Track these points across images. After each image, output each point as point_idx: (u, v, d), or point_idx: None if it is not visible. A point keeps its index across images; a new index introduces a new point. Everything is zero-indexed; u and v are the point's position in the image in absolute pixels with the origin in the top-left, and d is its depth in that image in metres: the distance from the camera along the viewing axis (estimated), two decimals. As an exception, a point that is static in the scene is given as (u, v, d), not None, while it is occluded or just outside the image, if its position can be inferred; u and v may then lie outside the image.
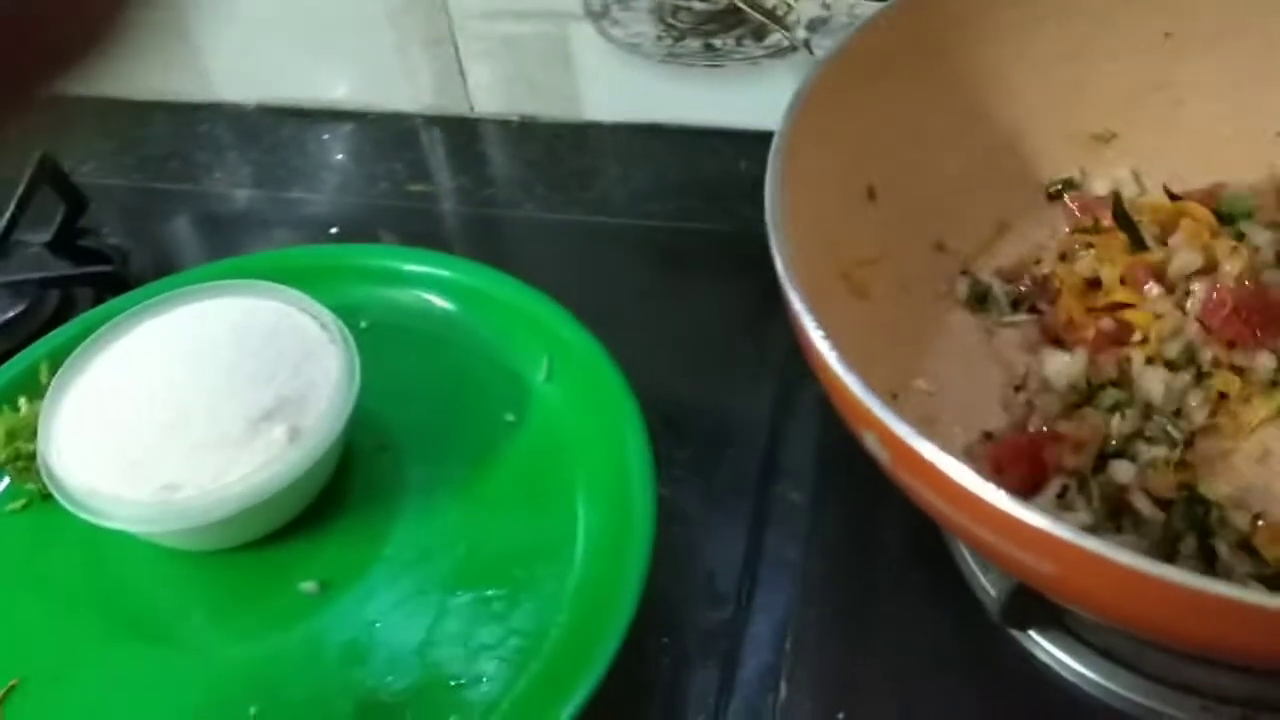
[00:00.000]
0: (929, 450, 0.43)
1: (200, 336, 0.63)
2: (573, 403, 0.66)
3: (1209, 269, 0.63)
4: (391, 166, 0.93)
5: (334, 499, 0.63)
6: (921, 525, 0.60)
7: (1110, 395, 0.60)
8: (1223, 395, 0.60)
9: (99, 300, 0.78)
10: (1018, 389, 0.63)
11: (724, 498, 0.66)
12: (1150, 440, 0.58)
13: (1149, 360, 0.61)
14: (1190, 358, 0.61)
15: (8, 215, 0.82)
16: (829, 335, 0.47)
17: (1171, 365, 0.61)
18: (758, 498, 0.66)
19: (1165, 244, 0.66)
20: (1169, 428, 0.58)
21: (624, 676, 0.54)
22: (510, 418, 0.66)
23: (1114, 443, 0.58)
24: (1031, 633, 0.57)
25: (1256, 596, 0.38)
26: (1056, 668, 0.56)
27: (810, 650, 0.59)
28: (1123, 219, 0.67)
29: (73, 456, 0.59)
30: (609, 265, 0.84)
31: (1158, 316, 0.63)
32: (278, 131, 0.97)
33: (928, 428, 0.45)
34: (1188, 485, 0.56)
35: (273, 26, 0.94)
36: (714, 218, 0.84)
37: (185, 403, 0.60)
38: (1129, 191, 0.70)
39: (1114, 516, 0.56)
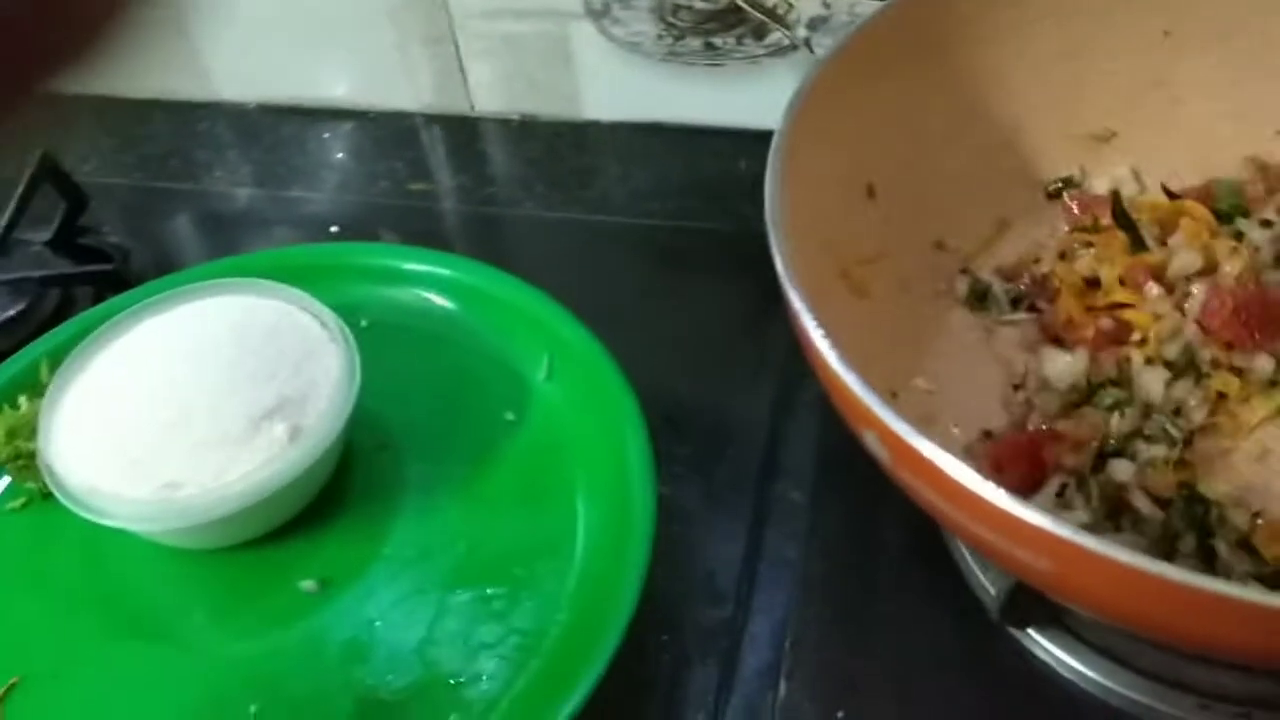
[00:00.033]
0: (928, 449, 0.43)
1: (201, 335, 0.63)
2: (573, 401, 0.66)
3: (1209, 270, 0.64)
4: (392, 165, 0.93)
5: (334, 497, 0.63)
6: (921, 524, 0.60)
7: (1110, 394, 0.60)
8: (1221, 395, 0.60)
9: (99, 299, 0.78)
10: (1017, 388, 0.63)
11: (724, 496, 0.66)
12: (1149, 439, 0.58)
13: (1148, 360, 0.61)
14: (1189, 359, 0.61)
15: (8, 214, 0.82)
16: (829, 334, 0.47)
17: (1171, 366, 0.61)
18: (757, 496, 0.66)
19: (1165, 244, 0.66)
20: (1168, 427, 0.58)
21: (624, 675, 0.54)
22: (510, 416, 0.66)
23: (1113, 442, 0.58)
24: (1030, 631, 0.57)
25: (1255, 595, 0.38)
26: (1055, 666, 0.56)
27: (810, 649, 0.59)
28: (1122, 218, 0.67)
29: (73, 455, 0.59)
30: (609, 264, 0.84)
31: (1157, 317, 0.63)
32: (278, 130, 0.97)
33: (927, 426, 0.45)
34: (1187, 484, 0.56)
35: (273, 25, 0.94)
36: (714, 217, 0.84)
37: (186, 401, 0.60)
38: (1128, 190, 0.70)
39: (1113, 515, 0.56)
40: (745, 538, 0.64)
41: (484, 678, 0.55)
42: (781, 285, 0.50)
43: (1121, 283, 0.65)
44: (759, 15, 0.79)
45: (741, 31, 0.86)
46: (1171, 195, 0.69)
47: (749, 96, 0.88)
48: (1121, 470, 0.57)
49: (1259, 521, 0.54)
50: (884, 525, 0.63)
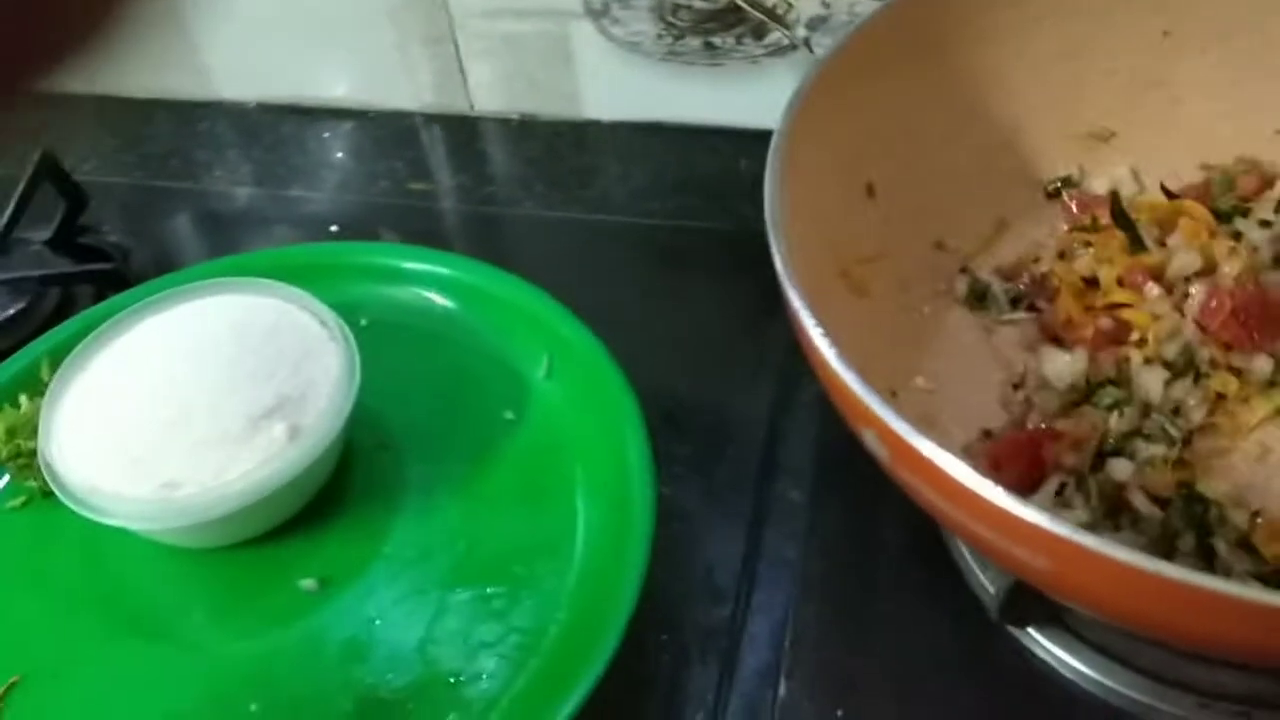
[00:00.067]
0: (928, 447, 0.43)
1: (201, 334, 0.63)
2: (572, 400, 0.66)
3: (1208, 270, 0.64)
4: (392, 164, 0.93)
5: (334, 497, 0.63)
6: (920, 523, 0.60)
7: (1109, 394, 0.60)
8: (1220, 395, 0.60)
9: (99, 298, 0.78)
10: (1016, 387, 0.63)
11: (723, 496, 0.66)
12: (1148, 438, 0.58)
13: (1147, 360, 0.61)
14: (1188, 359, 0.61)
15: (9, 213, 0.82)
16: (828, 333, 0.47)
17: (1169, 366, 0.61)
18: (757, 496, 0.66)
19: (1164, 244, 0.66)
20: (1167, 426, 0.58)
21: (623, 674, 0.54)
22: (510, 415, 0.66)
23: (1112, 441, 0.58)
24: (1030, 630, 0.57)
25: (1254, 593, 0.38)
26: (1054, 665, 0.57)
27: (809, 648, 0.59)
28: (1121, 218, 0.67)
29: (73, 454, 0.59)
30: (608, 263, 0.84)
31: (1156, 317, 0.63)
32: (278, 129, 0.98)
33: (926, 426, 0.45)
34: (1186, 484, 0.56)
35: (273, 25, 0.94)
36: (713, 216, 0.84)
37: (186, 400, 0.60)
38: (1128, 190, 0.70)
39: (1112, 514, 0.56)
40: (744, 537, 0.64)
41: (484, 676, 0.55)
42: (781, 284, 0.50)
43: (1120, 283, 0.65)
44: (758, 15, 0.79)
45: (741, 31, 0.86)
46: (1171, 195, 0.69)
47: (748, 96, 0.88)
48: (1120, 469, 0.57)
49: (1258, 521, 0.54)
50: (883, 524, 0.63)
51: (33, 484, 0.64)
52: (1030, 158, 0.70)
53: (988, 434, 0.61)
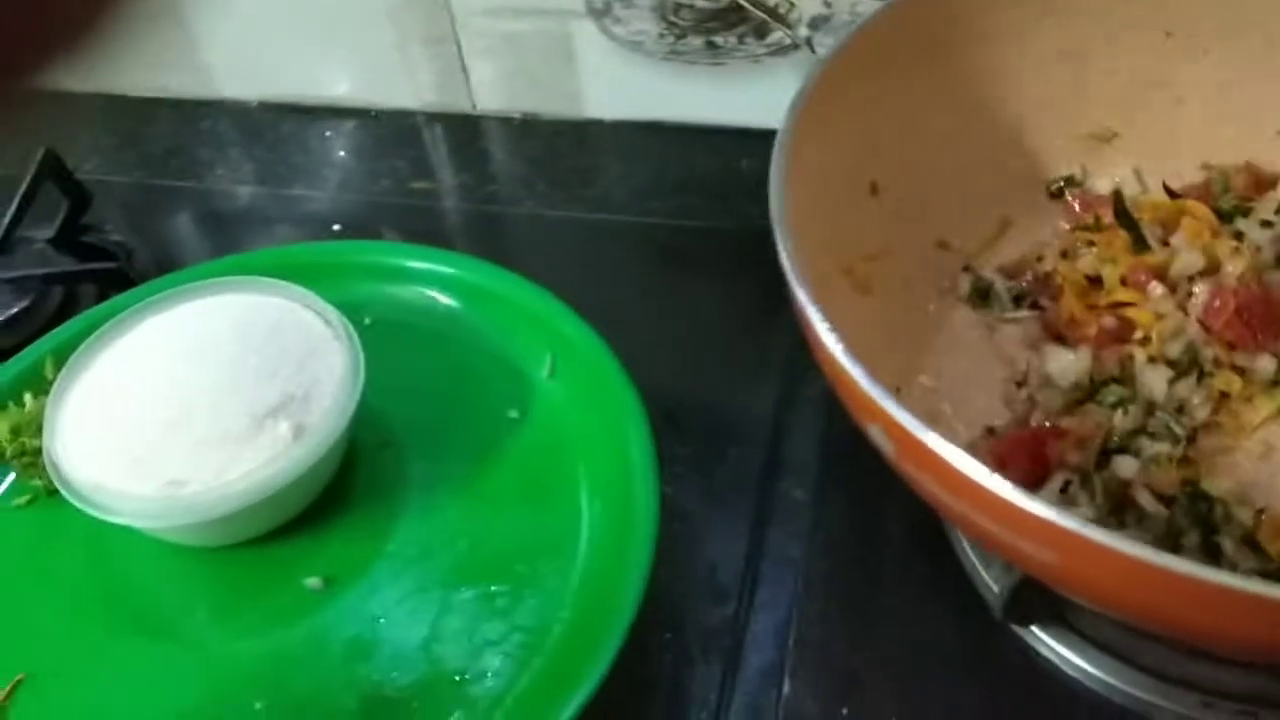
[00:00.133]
0: (935, 441, 0.43)
1: (205, 333, 0.63)
2: (576, 399, 0.66)
3: (1211, 270, 0.64)
4: (393, 164, 0.93)
5: (338, 495, 0.63)
6: (923, 521, 0.60)
7: (1113, 391, 0.60)
8: (1224, 394, 0.60)
9: (102, 297, 0.79)
10: (1019, 385, 0.64)
11: (726, 494, 0.67)
12: (1153, 436, 0.58)
13: (1151, 359, 0.62)
14: (1192, 358, 0.61)
15: (11, 211, 0.82)
16: (835, 328, 0.47)
17: (1173, 365, 0.61)
18: (760, 494, 0.66)
19: (1166, 243, 0.66)
20: (1172, 424, 0.58)
21: (627, 673, 0.54)
22: (513, 414, 0.66)
23: (1116, 439, 0.58)
24: (1034, 628, 0.57)
25: (1260, 586, 0.38)
26: (1058, 662, 0.57)
27: (813, 646, 0.60)
28: (1124, 218, 0.67)
29: (78, 452, 0.59)
30: (610, 263, 0.84)
31: (1160, 316, 0.63)
32: (280, 128, 0.98)
33: (931, 423, 0.45)
34: (1191, 481, 0.56)
35: (275, 23, 0.94)
36: (715, 215, 0.84)
37: (190, 399, 0.60)
38: (1130, 190, 0.70)
39: (1116, 512, 0.56)
40: (748, 535, 0.64)
41: (488, 675, 0.55)
42: (787, 281, 0.51)
43: (1124, 282, 0.65)
44: (760, 14, 0.79)
45: (743, 30, 0.86)
46: (1173, 194, 0.69)
47: (750, 95, 0.88)
48: (1125, 467, 0.57)
49: (1263, 518, 0.55)
50: (887, 522, 0.63)
51: (38, 482, 0.64)
52: (1033, 157, 0.70)
53: (991, 431, 0.61)
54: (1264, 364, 0.60)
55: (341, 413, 0.60)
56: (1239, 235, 0.65)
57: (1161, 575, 0.39)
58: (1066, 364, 0.62)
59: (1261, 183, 0.69)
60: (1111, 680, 0.55)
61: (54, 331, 0.72)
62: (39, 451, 0.61)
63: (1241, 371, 0.61)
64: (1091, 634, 0.56)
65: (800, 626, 0.60)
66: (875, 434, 0.47)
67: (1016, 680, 0.57)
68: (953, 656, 0.58)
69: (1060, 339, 0.65)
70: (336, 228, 0.88)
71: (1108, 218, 0.68)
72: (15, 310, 0.78)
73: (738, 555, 0.64)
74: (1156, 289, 0.64)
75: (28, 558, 0.63)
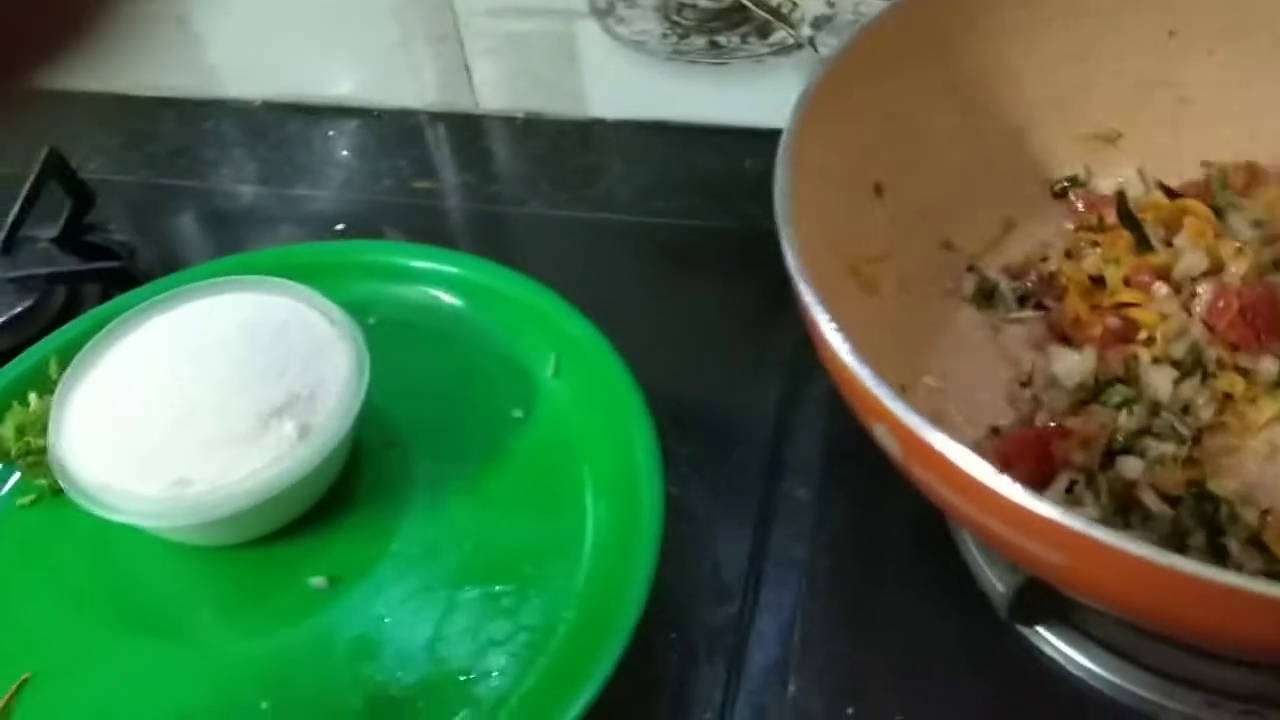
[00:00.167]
0: (941, 441, 0.43)
1: (209, 332, 0.63)
2: (580, 399, 0.66)
3: (1214, 270, 0.64)
4: (396, 163, 0.93)
5: (342, 495, 0.63)
6: (927, 521, 0.60)
7: (1118, 392, 0.60)
8: (1228, 395, 0.60)
9: (106, 296, 0.79)
10: (1024, 385, 0.63)
11: (730, 494, 0.67)
12: (1158, 436, 0.58)
13: (1155, 359, 0.61)
14: (1195, 358, 0.61)
15: (15, 211, 0.82)
16: (841, 328, 0.47)
17: (1178, 365, 0.61)
18: (764, 494, 0.66)
19: (1170, 244, 0.66)
20: (1177, 425, 0.58)
21: (632, 673, 0.54)
22: (518, 414, 0.66)
23: (1121, 439, 0.58)
24: (1038, 628, 0.57)
25: (1266, 587, 0.38)
26: (1062, 662, 0.57)
27: (817, 646, 0.60)
28: (1127, 218, 0.67)
29: (84, 451, 0.59)
30: (613, 262, 0.84)
31: (1164, 317, 0.63)
32: (283, 128, 0.98)
33: (936, 423, 0.45)
34: (1196, 482, 0.56)
35: (278, 23, 0.94)
36: (718, 215, 0.84)
37: (195, 398, 0.60)
38: (1134, 190, 0.70)
39: (1122, 512, 0.56)
40: (752, 535, 0.64)
41: (493, 675, 0.55)
42: (793, 280, 0.50)
43: (1127, 283, 0.65)
44: (763, 14, 0.79)
45: (746, 30, 0.86)
46: (1171, 193, 0.69)
47: (753, 95, 0.88)
48: (1130, 467, 0.57)
49: (1269, 519, 0.54)
50: (891, 522, 0.63)
51: (43, 481, 0.64)
52: (1038, 158, 0.70)
53: (996, 431, 0.61)
54: (1267, 365, 0.60)
55: (346, 412, 0.60)
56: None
57: (1167, 575, 0.39)
58: (1072, 364, 0.62)
59: (1261, 179, 0.68)
60: (1116, 680, 0.55)
61: (58, 331, 0.72)
62: (44, 451, 0.61)
63: (1245, 372, 0.61)
64: (1096, 633, 0.56)
65: (805, 626, 0.60)
66: (881, 434, 0.47)
67: (1021, 680, 0.57)
68: (957, 656, 0.58)
69: (1065, 339, 0.64)
70: (339, 227, 0.88)
71: (1111, 218, 0.68)
72: (19, 309, 0.78)
73: (742, 555, 0.64)
74: (1161, 289, 0.64)
75: (32, 557, 0.63)
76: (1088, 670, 0.56)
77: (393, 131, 0.96)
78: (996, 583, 0.57)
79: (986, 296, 0.68)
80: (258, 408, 0.59)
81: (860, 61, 0.60)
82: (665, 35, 0.87)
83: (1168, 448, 0.57)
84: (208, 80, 0.99)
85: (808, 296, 0.49)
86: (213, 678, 0.57)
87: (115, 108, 1.01)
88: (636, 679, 0.55)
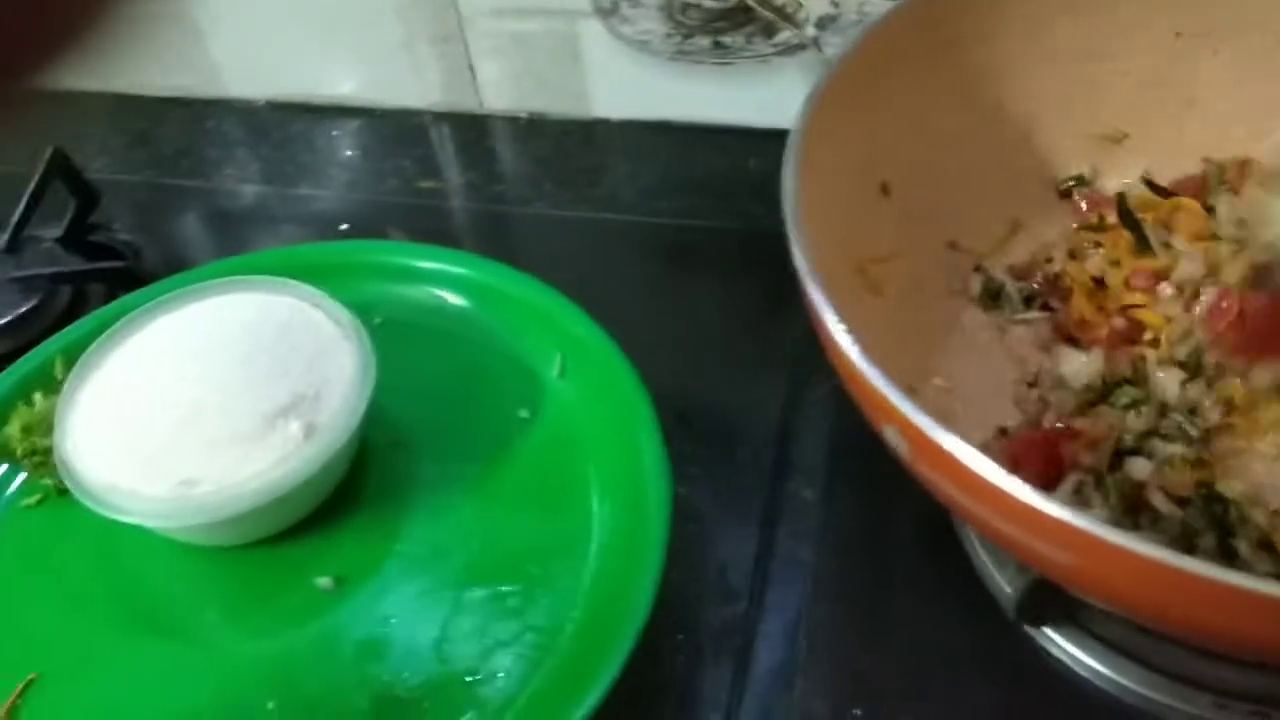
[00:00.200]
0: (951, 443, 0.43)
1: (215, 332, 0.63)
2: (586, 399, 0.66)
3: (1211, 271, 0.63)
4: (400, 163, 0.93)
5: (348, 495, 0.63)
6: (934, 521, 0.60)
7: (1126, 393, 0.60)
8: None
9: (110, 296, 0.79)
10: (1031, 385, 0.63)
11: (736, 495, 0.66)
12: (1166, 438, 0.58)
13: (1161, 361, 0.61)
14: (1199, 361, 0.61)
15: (20, 211, 0.82)
16: (851, 329, 0.47)
17: (1183, 366, 0.61)
18: (769, 495, 0.66)
19: (1169, 245, 0.66)
20: (1185, 425, 0.58)
21: (637, 674, 0.54)
22: (524, 414, 0.66)
23: (1130, 440, 0.58)
24: (1045, 629, 0.57)
25: (1276, 588, 0.38)
26: (1069, 663, 0.57)
27: (824, 647, 0.60)
28: (1127, 218, 0.67)
29: (90, 451, 0.59)
30: (617, 262, 0.84)
31: (1168, 319, 0.63)
32: (287, 128, 0.98)
33: (945, 424, 0.45)
34: (1205, 483, 0.56)
35: (282, 23, 0.94)
36: (722, 215, 0.84)
37: (200, 398, 0.60)
38: (1140, 190, 0.70)
39: (1130, 513, 0.56)
40: (758, 536, 0.64)
41: (499, 675, 0.55)
42: (800, 280, 0.50)
43: (1129, 284, 0.65)
44: (768, 14, 0.79)
45: (750, 30, 0.86)
46: (1165, 192, 0.69)
47: (757, 95, 0.88)
48: (1139, 468, 0.57)
49: (1279, 520, 0.54)
50: (897, 522, 0.63)
51: (48, 481, 0.64)
52: (1044, 158, 0.70)
53: (1004, 432, 0.61)
54: (1260, 375, 0.59)
55: (352, 412, 0.60)
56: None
57: (1177, 576, 0.39)
58: (1079, 366, 0.62)
59: (1248, 175, 0.68)
60: (1123, 681, 0.55)
61: (64, 331, 0.72)
62: (50, 451, 0.61)
63: (1245, 377, 0.60)
64: (1104, 635, 0.56)
65: (811, 627, 0.60)
66: (890, 435, 0.47)
67: (1028, 681, 0.57)
68: (964, 657, 0.58)
69: (1071, 340, 0.64)
70: (343, 227, 0.87)
71: (1113, 218, 0.68)
72: (24, 309, 0.78)
73: (748, 556, 0.64)
74: (1166, 290, 0.64)
75: (38, 558, 0.63)
76: (1095, 671, 0.56)
77: (397, 131, 0.96)
78: (1004, 584, 0.57)
79: (993, 297, 0.67)
80: (263, 408, 0.59)
81: (868, 61, 0.60)
82: (669, 35, 0.87)
83: (1176, 449, 0.57)
84: (212, 80, 0.99)
85: (816, 297, 0.49)
86: (218, 678, 0.57)
87: (119, 107, 1.01)
88: (642, 680, 0.55)
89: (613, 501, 0.61)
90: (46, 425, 0.62)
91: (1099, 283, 0.66)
